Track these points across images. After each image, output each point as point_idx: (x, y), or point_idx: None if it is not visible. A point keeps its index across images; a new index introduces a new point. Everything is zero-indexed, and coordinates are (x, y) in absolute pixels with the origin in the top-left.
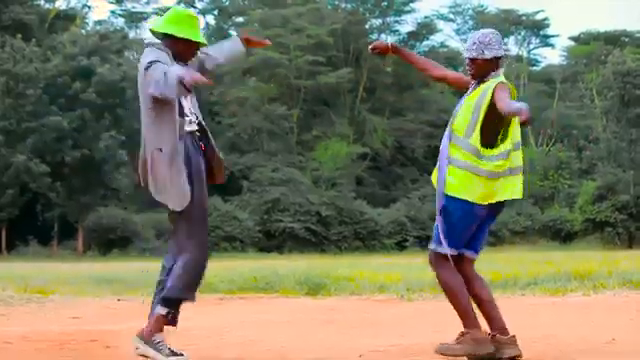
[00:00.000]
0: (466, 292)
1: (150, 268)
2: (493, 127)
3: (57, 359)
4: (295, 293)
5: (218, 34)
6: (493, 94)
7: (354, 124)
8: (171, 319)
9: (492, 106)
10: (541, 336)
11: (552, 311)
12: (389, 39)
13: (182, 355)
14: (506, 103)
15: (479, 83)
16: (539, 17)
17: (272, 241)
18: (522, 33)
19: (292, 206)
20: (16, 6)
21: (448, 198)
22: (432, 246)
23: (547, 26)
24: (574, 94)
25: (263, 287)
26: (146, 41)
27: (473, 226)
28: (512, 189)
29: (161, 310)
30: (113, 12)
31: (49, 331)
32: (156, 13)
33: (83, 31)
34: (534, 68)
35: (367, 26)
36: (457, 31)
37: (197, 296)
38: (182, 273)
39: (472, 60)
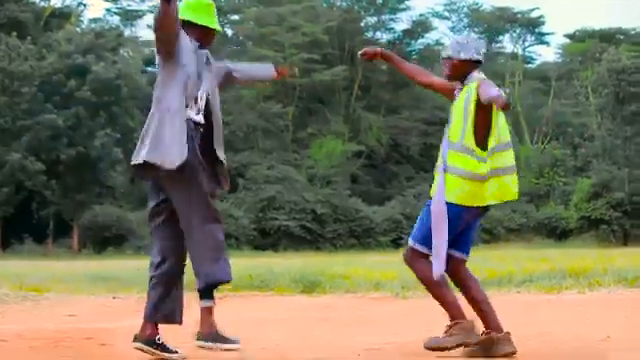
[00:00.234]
0: (447, 283)
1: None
2: (485, 126)
3: (52, 357)
4: (290, 291)
5: None
6: (477, 92)
7: (349, 122)
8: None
9: (479, 105)
10: (536, 333)
11: (547, 309)
12: (384, 37)
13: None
14: (484, 91)
15: (463, 87)
16: (534, 15)
17: (267, 239)
18: (517, 31)
19: (287, 204)
20: (11, 4)
21: (446, 204)
22: (410, 242)
23: (542, 24)
24: (569, 92)
25: (258, 285)
26: None
27: (459, 228)
28: (505, 190)
29: (208, 303)
30: (108, 10)
31: (44, 329)
32: (151, 11)
33: (78, 29)
34: (529, 66)
35: (362, 24)
36: (452, 29)
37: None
38: (202, 255)
39: (447, 59)
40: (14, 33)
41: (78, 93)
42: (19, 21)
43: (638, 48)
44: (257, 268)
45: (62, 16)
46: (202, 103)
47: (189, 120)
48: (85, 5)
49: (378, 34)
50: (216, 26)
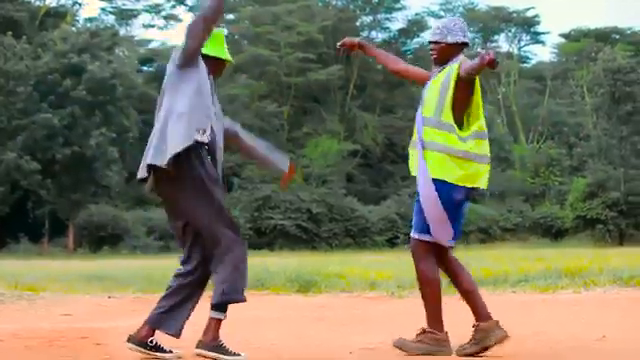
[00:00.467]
0: (440, 290)
1: (140, 265)
2: (462, 105)
3: (47, 356)
4: (286, 290)
5: None
6: (459, 70)
7: (345, 121)
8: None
9: (459, 83)
10: (532, 333)
11: (543, 308)
12: (380, 36)
13: (240, 355)
14: (467, 64)
15: (442, 69)
16: (529, 14)
17: (263, 238)
18: (512, 30)
19: (283, 203)
20: (6, 3)
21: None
22: (415, 234)
23: (537, 23)
24: (565, 91)
25: (254, 284)
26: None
27: (454, 206)
28: (483, 178)
29: (219, 315)
30: (103, 9)
31: (39, 328)
32: (146, 10)
33: (73, 28)
34: (524, 65)
35: (358, 23)
36: None
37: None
38: (226, 273)
39: (435, 43)
40: (9, 32)
41: (73, 92)
42: (14, 20)
43: (634, 48)
44: (253, 267)
45: (57, 15)
46: (209, 124)
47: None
48: (80, 4)
49: (373, 33)
50: (227, 56)
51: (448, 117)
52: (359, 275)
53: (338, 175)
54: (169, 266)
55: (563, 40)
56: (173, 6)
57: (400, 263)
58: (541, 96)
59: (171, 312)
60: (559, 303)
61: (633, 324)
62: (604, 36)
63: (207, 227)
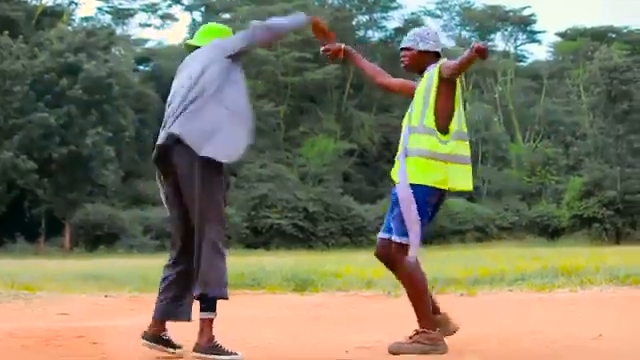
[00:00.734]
0: (427, 289)
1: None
2: (445, 110)
3: (43, 356)
4: (282, 289)
5: None
6: (440, 73)
7: (341, 120)
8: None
9: (441, 86)
10: (528, 332)
11: (539, 307)
12: (376, 35)
13: (237, 354)
14: (449, 63)
15: (423, 75)
16: (526, 13)
17: (259, 237)
18: (509, 29)
19: (279, 202)
20: (3, 3)
21: (410, 186)
22: (397, 238)
23: (534, 22)
24: (561, 90)
25: (250, 283)
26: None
27: (429, 210)
28: (464, 179)
29: (211, 315)
30: (100, 9)
31: (36, 327)
32: (143, 10)
33: (70, 28)
34: (521, 64)
35: (354, 22)
36: (444, 27)
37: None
38: (214, 269)
39: (405, 49)
40: (6, 32)
41: (70, 92)
42: (11, 20)
43: (630, 46)
44: (249, 266)
45: (54, 15)
46: None
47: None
48: (76, 4)
49: (370, 32)
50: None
51: (430, 122)
52: (355, 274)
53: (334, 174)
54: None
55: (559, 39)
56: (169, 5)
57: (383, 261)
58: (537, 95)
59: (177, 301)
60: (555, 302)
61: (629, 323)
62: (600, 35)
63: (209, 221)
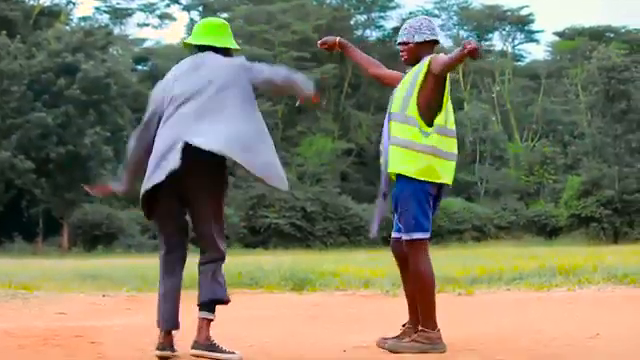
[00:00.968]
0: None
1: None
2: (430, 102)
3: (41, 355)
4: (280, 289)
5: None
6: (429, 66)
7: (339, 120)
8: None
9: (428, 78)
10: (526, 331)
11: (537, 306)
12: (374, 34)
13: (235, 353)
14: (440, 58)
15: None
16: (524, 12)
17: (257, 237)
18: (507, 28)
19: (277, 202)
20: (0, 2)
21: (401, 180)
22: (406, 236)
23: (532, 21)
24: (559, 89)
25: (248, 283)
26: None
27: (427, 204)
28: (448, 174)
29: (210, 316)
30: (97, 8)
31: (33, 327)
32: (141, 9)
33: (68, 27)
34: (519, 63)
35: (352, 22)
36: (442, 27)
37: None
38: (220, 275)
39: (404, 44)
40: (3, 32)
41: (67, 92)
42: (8, 20)
43: (628, 46)
44: (247, 266)
45: (51, 14)
46: None
47: None
48: (74, 3)
49: (368, 32)
50: (236, 46)
51: (413, 111)
52: (353, 273)
53: (332, 174)
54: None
55: (557, 38)
56: (167, 5)
57: (394, 261)
58: (535, 94)
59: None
60: (553, 301)
61: (627, 322)
62: (598, 34)
63: (217, 231)
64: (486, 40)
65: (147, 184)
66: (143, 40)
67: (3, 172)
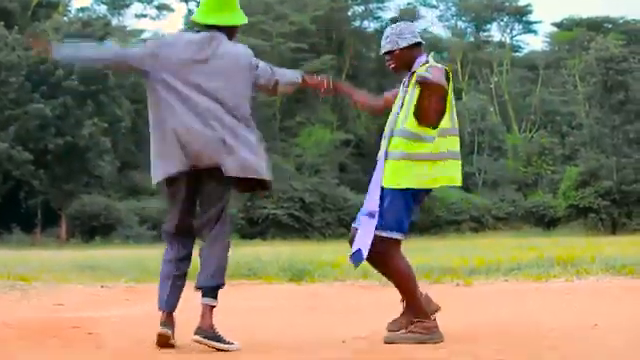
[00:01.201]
0: (416, 280)
1: (133, 255)
2: (434, 110)
3: (39, 346)
4: (278, 279)
5: None
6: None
7: (337, 110)
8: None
9: (423, 88)
10: (524, 321)
11: (535, 297)
12: (371, 26)
13: (234, 344)
14: (421, 75)
15: (411, 76)
16: (522, 3)
17: (255, 228)
18: (505, 19)
19: (275, 192)
20: None
21: (387, 191)
22: (383, 233)
23: (530, 12)
24: (557, 80)
25: (246, 274)
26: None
27: (413, 206)
28: (452, 175)
29: (213, 302)
30: None
31: (32, 318)
32: (139, 0)
33: (66, 18)
34: (517, 54)
35: (350, 13)
36: (440, 17)
37: None
38: (222, 261)
39: (389, 53)
40: (1, 23)
41: (65, 82)
42: (7, 11)
43: (626, 37)
44: (245, 257)
45: (50, 5)
46: None
47: None
48: None
49: (365, 23)
50: (243, 20)
51: (412, 124)
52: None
53: (331, 164)
54: (162, 255)
55: (555, 29)
56: None
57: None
58: (533, 85)
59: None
60: (551, 292)
61: (625, 313)
62: (596, 25)
63: (224, 215)
64: (484, 31)
65: (169, 168)
66: (141, 31)
67: (1, 163)
